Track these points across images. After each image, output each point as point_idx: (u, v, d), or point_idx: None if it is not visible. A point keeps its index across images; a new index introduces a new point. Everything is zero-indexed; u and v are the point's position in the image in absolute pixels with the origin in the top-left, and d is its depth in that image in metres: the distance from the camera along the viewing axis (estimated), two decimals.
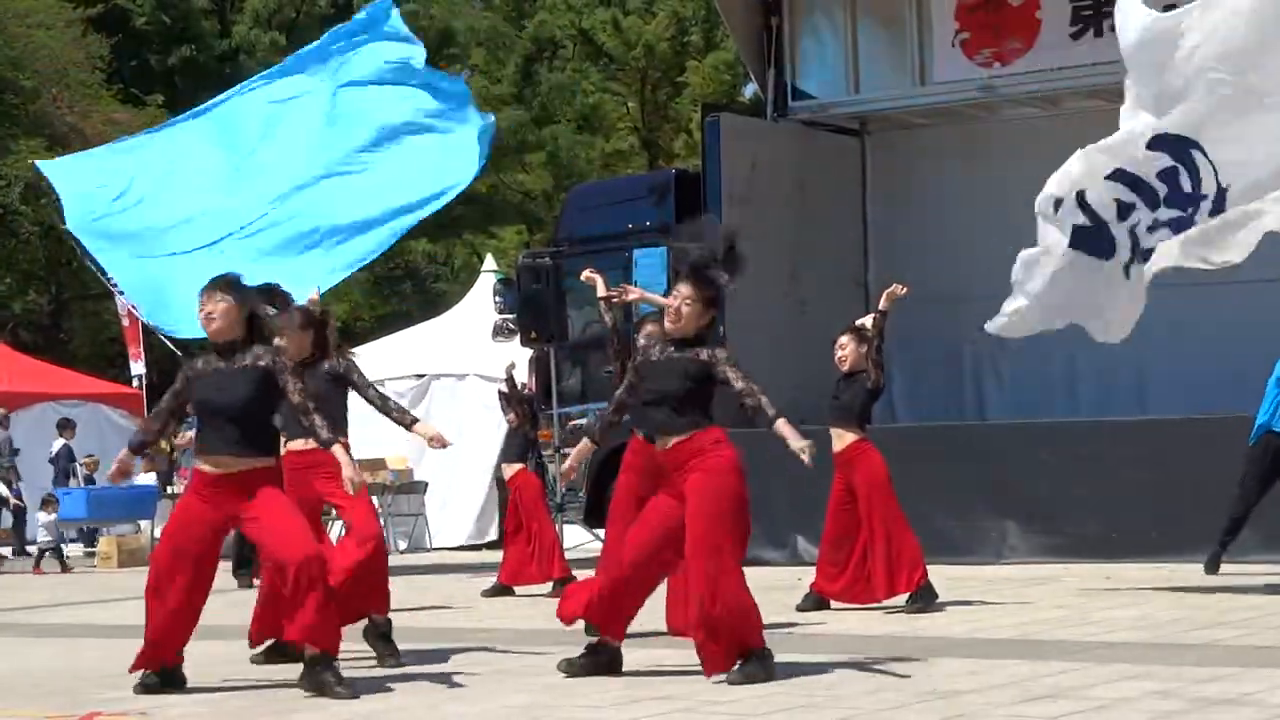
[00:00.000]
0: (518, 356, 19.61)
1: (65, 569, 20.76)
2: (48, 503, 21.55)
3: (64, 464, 24.07)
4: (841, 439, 11.72)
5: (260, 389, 8.38)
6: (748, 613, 8.16)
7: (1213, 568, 13.45)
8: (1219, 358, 16.39)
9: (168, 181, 16.35)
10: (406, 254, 50.50)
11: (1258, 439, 13.39)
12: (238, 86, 17.41)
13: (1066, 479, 15.37)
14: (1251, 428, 13.28)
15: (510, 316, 19.22)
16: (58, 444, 24.34)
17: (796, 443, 8.25)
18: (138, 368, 26.67)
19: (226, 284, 8.58)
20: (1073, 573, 14.25)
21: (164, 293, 15.50)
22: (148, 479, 23.04)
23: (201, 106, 17.55)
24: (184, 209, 16.03)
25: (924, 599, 11.50)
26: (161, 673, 8.50)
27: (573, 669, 8.48)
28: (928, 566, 11.64)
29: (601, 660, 8.52)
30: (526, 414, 15.49)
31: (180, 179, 16.38)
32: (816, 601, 11.79)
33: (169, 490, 22.88)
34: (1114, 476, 15.08)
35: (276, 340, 8.85)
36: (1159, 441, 14.91)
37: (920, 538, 11.79)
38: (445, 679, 8.62)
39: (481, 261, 29.20)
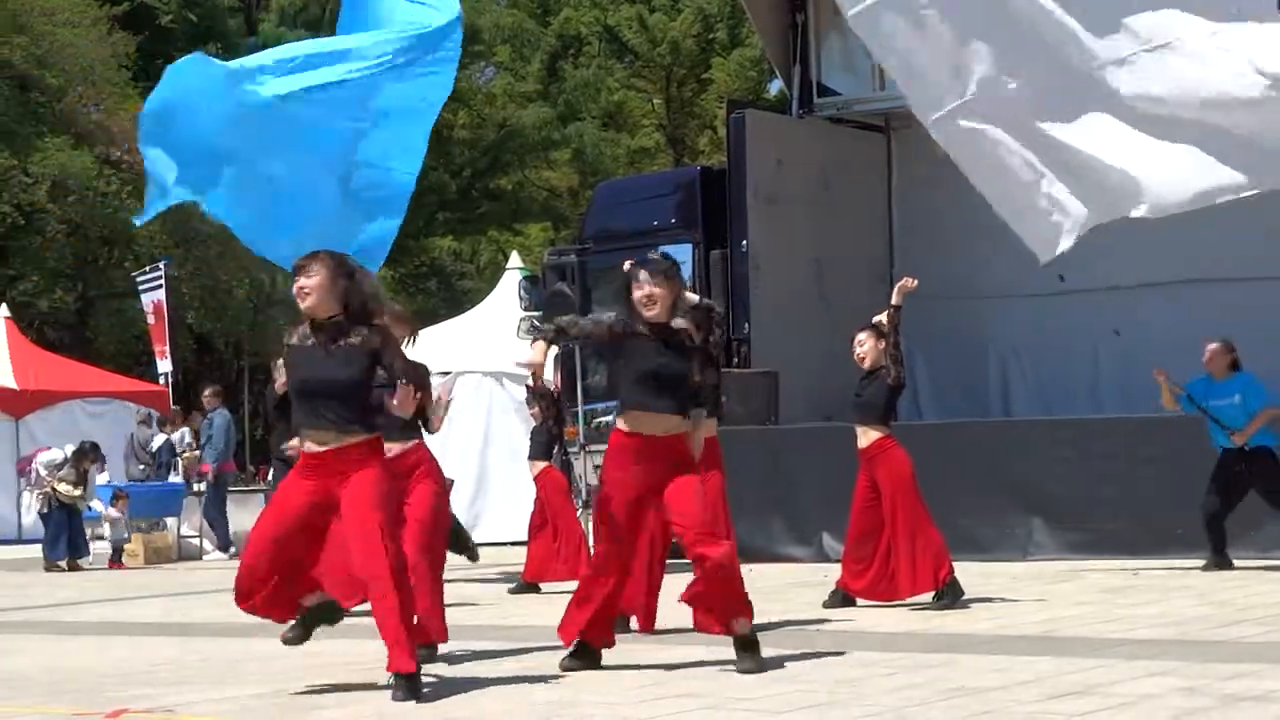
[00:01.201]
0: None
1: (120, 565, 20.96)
2: (119, 498, 21.64)
3: (166, 457, 23.97)
4: (866, 436, 11.71)
5: (363, 369, 8.21)
6: None
7: (1225, 564, 13.54)
8: (1245, 356, 16.34)
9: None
10: (432, 251, 50.62)
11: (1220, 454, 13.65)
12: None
13: (1091, 476, 15.35)
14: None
15: (536, 314, 19.22)
16: (159, 439, 24.25)
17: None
18: (164, 365, 26.75)
19: (316, 258, 8.36)
20: (1097, 569, 14.23)
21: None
22: (174, 477, 23.13)
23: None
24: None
25: (950, 596, 11.49)
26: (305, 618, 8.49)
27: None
28: (953, 563, 11.63)
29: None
30: (552, 410, 15.49)
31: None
32: (843, 598, 11.79)
33: (194, 488, 22.98)
34: (1138, 474, 15.07)
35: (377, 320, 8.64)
36: (1183, 439, 14.88)
37: (945, 535, 11.77)
38: (469, 676, 8.63)
39: (507, 259, 29.20)
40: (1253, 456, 13.61)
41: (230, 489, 23.81)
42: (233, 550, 21.94)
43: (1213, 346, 13.98)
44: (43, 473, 21.45)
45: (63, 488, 20.91)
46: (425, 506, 9.62)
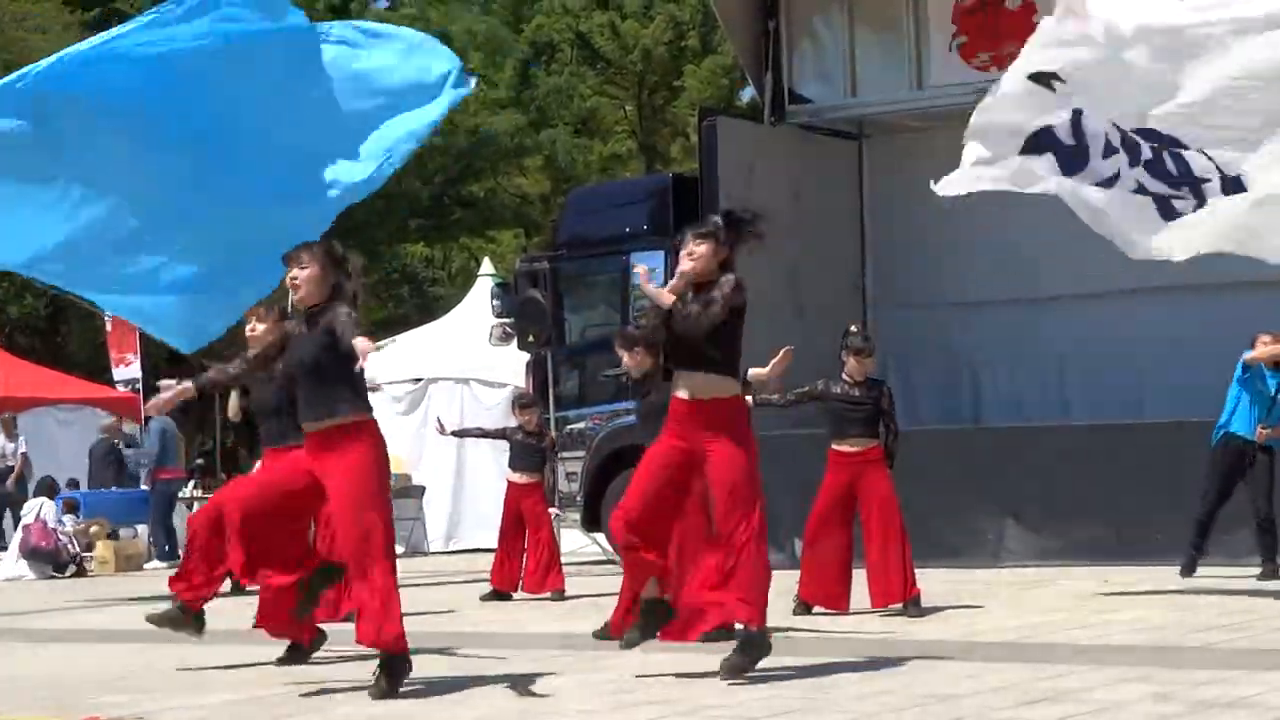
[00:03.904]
0: (516, 360, 19.65)
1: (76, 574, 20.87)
2: (72, 507, 21.56)
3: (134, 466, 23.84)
4: (861, 443, 11.79)
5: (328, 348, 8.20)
6: None
7: (1188, 571, 13.59)
8: (1217, 361, 16.38)
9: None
10: (404, 258, 50.52)
11: (1218, 440, 13.55)
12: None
13: (1063, 482, 15.40)
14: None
15: (508, 320, 19.21)
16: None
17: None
18: (121, 373, 26.61)
19: (307, 249, 8.44)
20: (1070, 576, 14.26)
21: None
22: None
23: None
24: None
25: (915, 608, 11.53)
26: None
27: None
28: (924, 570, 11.66)
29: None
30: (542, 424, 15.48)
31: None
32: (807, 608, 11.80)
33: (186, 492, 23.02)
34: (1111, 480, 15.11)
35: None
36: (1156, 445, 14.94)
37: (917, 541, 11.79)
38: (440, 683, 8.62)
39: (479, 265, 29.19)
40: (1254, 452, 13.58)
41: (204, 496, 23.75)
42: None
43: (1265, 337, 13.61)
44: None
45: None
46: None
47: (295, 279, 8.33)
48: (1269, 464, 13.63)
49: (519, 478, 14.76)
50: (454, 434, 16.38)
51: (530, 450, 14.77)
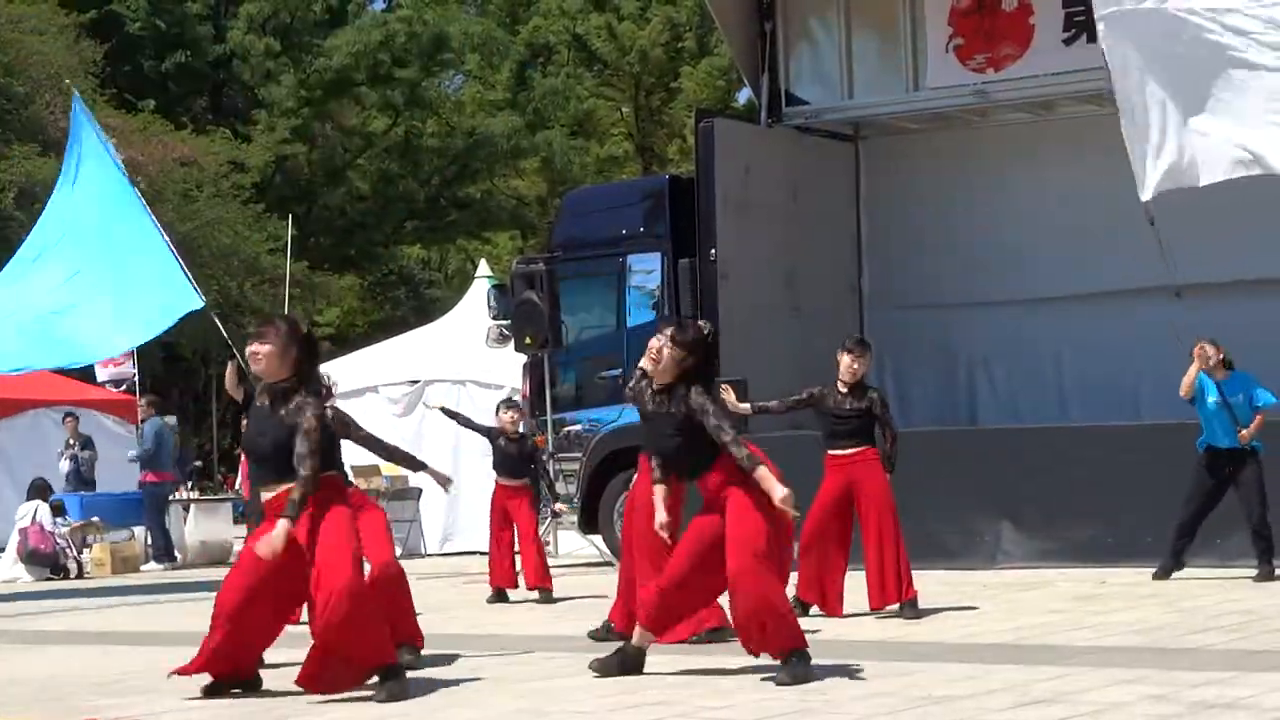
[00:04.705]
0: (512, 362, 19.64)
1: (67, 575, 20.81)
2: (59, 510, 21.50)
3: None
4: (858, 444, 11.82)
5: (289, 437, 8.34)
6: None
7: (1163, 574, 13.59)
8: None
9: None
10: (400, 259, 50.56)
11: (1202, 451, 13.65)
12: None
13: (1060, 484, 15.39)
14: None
15: (504, 322, 19.20)
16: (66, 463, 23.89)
17: (780, 492, 8.27)
18: (109, 373, 26.54)
19: (270, 324, 8.58)
20: (1067, 577, 14.26)
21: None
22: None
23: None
24: None
25: (912, 610, 11.53)
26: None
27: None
28: (921, 572, 11.66)
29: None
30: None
31: None
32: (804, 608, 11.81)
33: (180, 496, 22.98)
34: (1108, 481, 15.10)
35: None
36: (1152, 447, 14.94)
37: (914, 542, 11.79)
38: (440, 684, 8.62)
39: (475, 267, 29.18)
40: (1240, 458, 13.62)
41: (200, 499, 23.75)
42: (179, 560, 21.83)
43: (1209, 347, 13.81)
44: None
45: None
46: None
47: (256, 354, 8.44)
48: (1258, 469, 13.63)
49: (505, 480, 14.85)
50: (443, 410, 16.34)
51: (512, 453, 14.85)
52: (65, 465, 23.25)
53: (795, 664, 8.23)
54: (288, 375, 8.43)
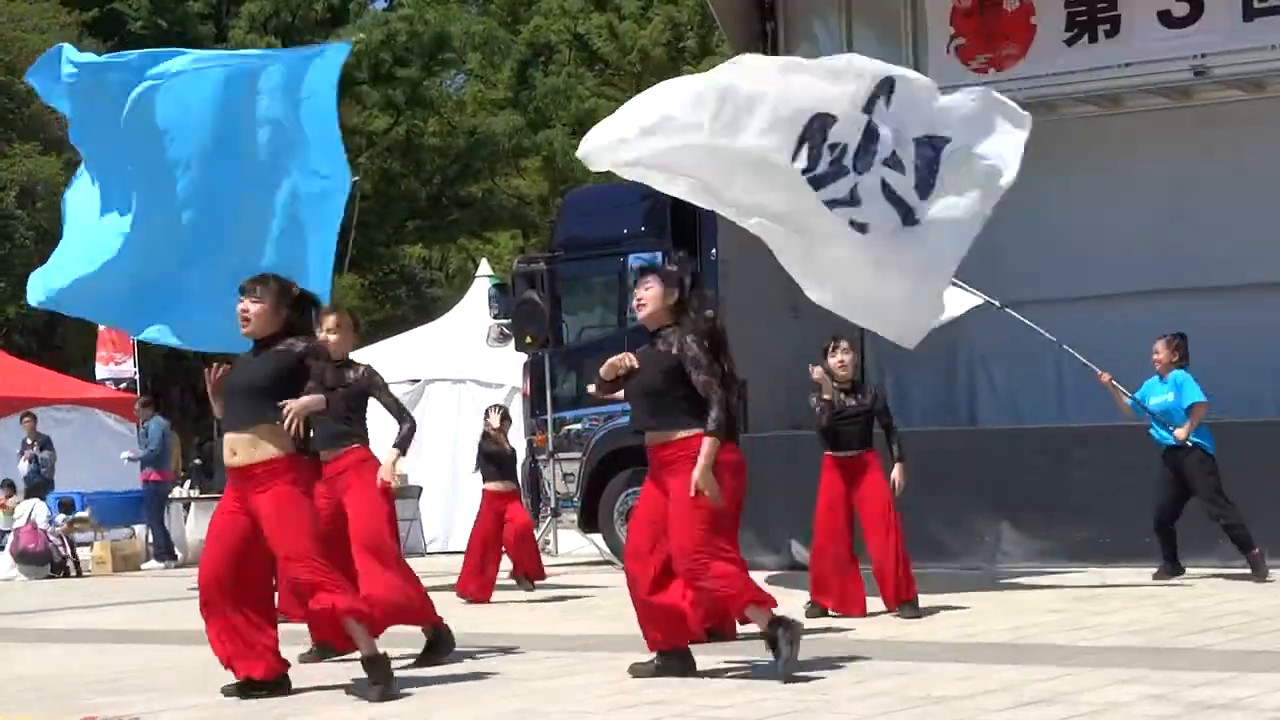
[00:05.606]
0: (513, 361, 19.64)
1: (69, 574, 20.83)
2: (69, 507, 21.54)
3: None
4: (860, 444, 11.84)
5: (283, 371, 8.27)
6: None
7: (1177, 570, 13.63)
8: (1213, 362, 16.42)
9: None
10: (401, 259, 50.55)
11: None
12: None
13: (1059, 484, 15.39)
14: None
15: (505, 321, 19.21)
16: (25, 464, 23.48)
17: (699, 476, 8.29)
18: (110, 370, 26.56)
19: (262, 283, 8.49)
20: (1065, 577, 14.27)
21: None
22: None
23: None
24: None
25: (912, 609, 11.54)
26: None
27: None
28: (921, 571, 11.66)
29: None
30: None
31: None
32: (820, 611, 11.81)
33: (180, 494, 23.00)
34: (1106, 481, 15.10)
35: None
36: (1152, 447, 14.92)
37: (913, 542, 11.78)
38: (438, 683, 8.63)
39: (476, 266, 29.18)
40: (1183, 454, 13.65)
41: (200, 497, 23.77)
42: (180, 558, 21.86)
43: (1159, 342, 13.99)
44: None
45: None
46: (360, 509, 9.74)
47: (246, 311, 8.39)
48: (1201, 466, 13.62)
49: (493, 486, 14.96)
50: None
51: (495, 458, 14.98)
52: (24, 466, 23.13)
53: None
54: (276, 331, 8.41)
